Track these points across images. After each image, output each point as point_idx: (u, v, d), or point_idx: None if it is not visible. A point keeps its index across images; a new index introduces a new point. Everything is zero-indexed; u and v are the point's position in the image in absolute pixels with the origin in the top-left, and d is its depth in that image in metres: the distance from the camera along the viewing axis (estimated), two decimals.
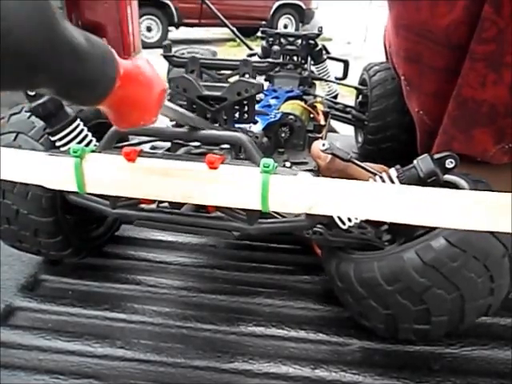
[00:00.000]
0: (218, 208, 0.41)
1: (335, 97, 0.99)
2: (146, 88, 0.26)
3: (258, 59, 0.91)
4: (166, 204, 0.44)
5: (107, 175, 0.38)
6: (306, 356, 0.44)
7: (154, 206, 0.44)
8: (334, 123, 1.02)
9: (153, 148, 0.52)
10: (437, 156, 0.41)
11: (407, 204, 0.33)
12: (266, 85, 0.80)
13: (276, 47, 0.50)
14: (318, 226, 0.42)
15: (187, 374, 0.42)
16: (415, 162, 0.42)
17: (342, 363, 0.43)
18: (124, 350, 0.44)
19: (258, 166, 0.36)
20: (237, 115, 0.48)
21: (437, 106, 0.61)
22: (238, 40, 1.24)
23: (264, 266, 0.57)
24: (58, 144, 0.46)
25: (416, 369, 0.43)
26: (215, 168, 0.36)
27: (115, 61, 0.23)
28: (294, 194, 0.35)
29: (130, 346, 0.44)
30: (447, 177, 0.44)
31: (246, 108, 0.48)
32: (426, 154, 0.42)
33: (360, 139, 0.95)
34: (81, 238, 0.54)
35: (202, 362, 0.43)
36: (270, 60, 0.48)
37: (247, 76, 0.47)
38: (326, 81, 0.94)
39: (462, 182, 0.43)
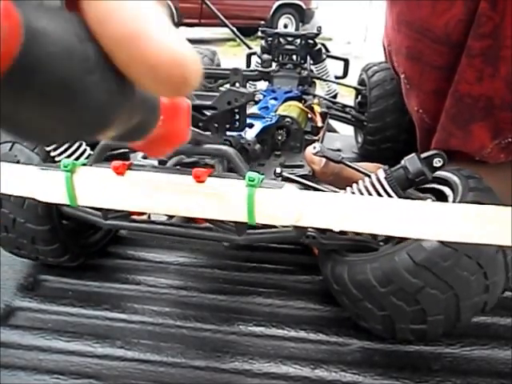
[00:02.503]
0: (206, 219, 0.41)
1: (334, 96, 0.98)
2: (181, 121, 0.25)
3: (258, 59, 0.91)
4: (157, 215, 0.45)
5: (97, 188, 0.39)
6: (306, 356, 0.44)
7: (145, 217, 0.45)
8: (334, 123, 1.02)
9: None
10: (424, 155, 0.41)
11: (397, 217, 0.33)
12: (265, 85, 0.80)
13: (266, 56, 0.50)
14: (311, 229, 0.42)
15: (187, 374, 0.42)
16: (402, 162, 0.42)
17: (342, 363, 0.43)
18: (124, 349, 0.44)
19: (244, 178, 0.36)
20: (229, 122, 0.48)
21: (436, 105, 0.60)
22: (238, 40, 1.23)
23: (264, 266, 0.57)
24: (52, 154, 0.47)
25: (416, 369, 0.43)
26: (202, 182, 0.36)
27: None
28: (280, 206, 0.36)
29: (130, 345, 0.44)
30: (438, 173, 0.43)
31: (237, 116, 0.48)
32: (413, 154, 0.42)
33: (360, 139, 0.95)
34: (78, 244, 0.54)
35: (202, 362, 0.43)
36: (259, 69, 0.48)
37: (237, 85, 0.46)
38: (326, 80, 0.94)
39: (454, 178, 0.43)
